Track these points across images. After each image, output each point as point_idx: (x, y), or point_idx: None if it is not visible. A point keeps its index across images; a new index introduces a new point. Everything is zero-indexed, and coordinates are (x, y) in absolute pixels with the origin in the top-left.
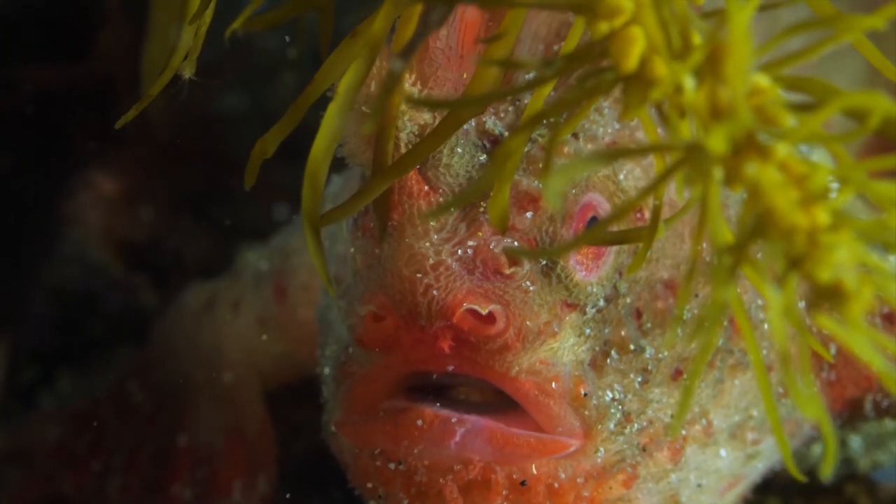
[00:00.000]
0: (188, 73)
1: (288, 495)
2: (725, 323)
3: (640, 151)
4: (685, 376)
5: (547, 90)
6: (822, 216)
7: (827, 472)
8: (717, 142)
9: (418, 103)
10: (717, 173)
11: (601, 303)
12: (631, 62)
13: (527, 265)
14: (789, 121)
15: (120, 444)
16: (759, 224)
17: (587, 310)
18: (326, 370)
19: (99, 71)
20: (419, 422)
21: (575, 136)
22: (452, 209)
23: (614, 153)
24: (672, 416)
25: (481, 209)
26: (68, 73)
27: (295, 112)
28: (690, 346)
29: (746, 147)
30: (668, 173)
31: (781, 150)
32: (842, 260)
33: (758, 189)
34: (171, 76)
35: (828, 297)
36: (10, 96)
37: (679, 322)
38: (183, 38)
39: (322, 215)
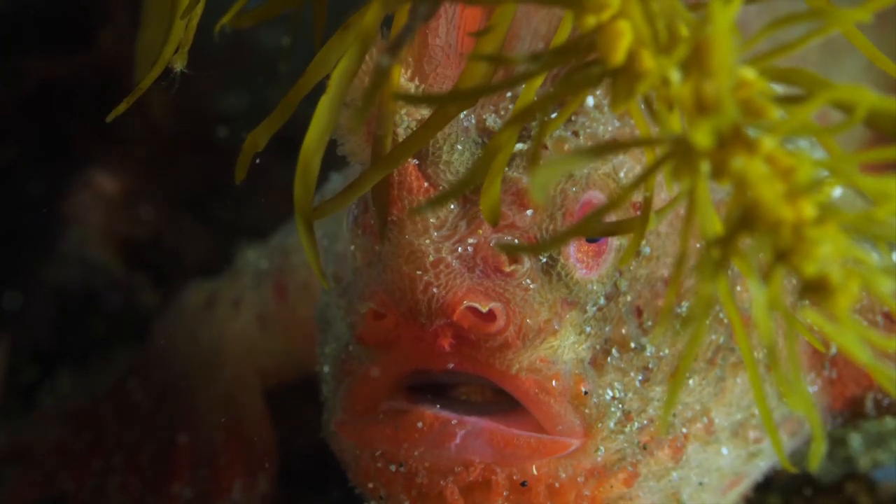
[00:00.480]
0: (179, 65)
1: (288, 494)
2: (727, 321)
3: (626, 146)
4: (686, 373)
5: (536, 84)
6: (808, 209)
7: (814, 465)
8: (702, 135)
9: (406, 99)
10: (704, 167)
11: (602, 301)
12: (618, 56)
13: (527, 263)
14: (776, 113)
15: (120, 443)
16: (746, 217)
17: (588, 308)
18: (326, 368)
19: (102, 64)
20: (419, 424)
21: (575, 134)
22: (452, 205)
23: (600, 149)
24: (674, 415)
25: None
26: (71, 64)
27: (286, 105)
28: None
29: (732, 140)
30: (656, 167)
31: (768, 143)
32: (827, 254)
33: (744, 182)
34: (161, 69)
35: (814, 290)
36: (13, 90)
37: (670, 317)
38: (174, 30)
39: (315, 207)
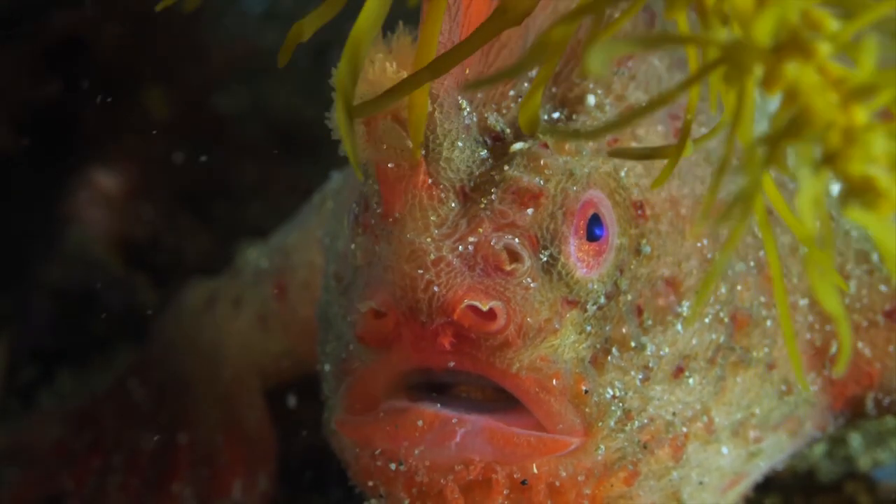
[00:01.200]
0: None
1: (288, 493)
2: (727, 320)
3: (675, 41)
4: (686, 372)
5: None
6: (860, 114)
7: (841, 369)
8: (763, 29)
9: None
10: (758, 70)
11: (602, 300)
12: None
13: (527, 262)
14: (833, 26)
15: (120, 442)
16: (794, 124)
17: (588, 307)
18: (327, 367)
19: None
20: (419, 422)
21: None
22: (452, 203)
23: (648, 41)
24: (674, 414)
25: (482, 205)
26: (94, 17)
27: None
28: (692, 341)
29: (788, 46)
30: (705, 71)
31: (823, 49)
32: (877, 153)
33: (796, 90)
34: None
35: (860, 193)
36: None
37: (707, 218)
38: None
39: (357, 105)
